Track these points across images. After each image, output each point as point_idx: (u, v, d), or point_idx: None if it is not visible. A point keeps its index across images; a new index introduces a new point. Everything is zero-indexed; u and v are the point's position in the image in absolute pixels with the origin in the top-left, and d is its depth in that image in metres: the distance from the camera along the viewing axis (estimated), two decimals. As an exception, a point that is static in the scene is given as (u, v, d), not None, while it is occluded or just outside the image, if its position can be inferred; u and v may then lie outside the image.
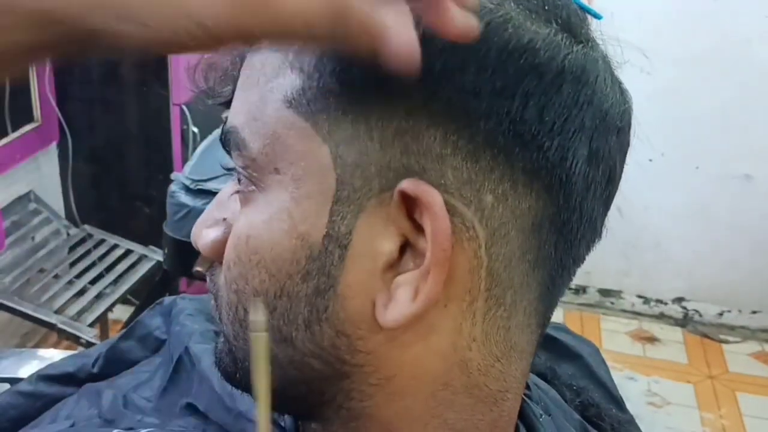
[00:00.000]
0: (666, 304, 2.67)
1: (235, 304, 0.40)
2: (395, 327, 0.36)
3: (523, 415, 0.49)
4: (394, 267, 0.36)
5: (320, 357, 0.38)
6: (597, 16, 0.40)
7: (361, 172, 0.35)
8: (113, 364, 0.68)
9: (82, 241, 2.10)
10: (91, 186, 2.22)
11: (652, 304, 2.68)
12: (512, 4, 0.36)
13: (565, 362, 0.59)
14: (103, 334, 1.93)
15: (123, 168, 2.19)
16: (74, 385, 0.66)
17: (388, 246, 0.36)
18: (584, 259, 0.42)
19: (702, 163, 2.43)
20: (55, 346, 2.09)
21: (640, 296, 2.68)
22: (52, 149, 2.17)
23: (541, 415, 0.49)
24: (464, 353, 0.38)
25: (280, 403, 0.41)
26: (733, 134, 2.36)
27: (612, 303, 2.70)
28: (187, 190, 1.50)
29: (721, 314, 2.63)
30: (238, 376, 0.42)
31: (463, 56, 0.34)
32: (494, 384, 0.40)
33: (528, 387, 0.52)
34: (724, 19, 2.24)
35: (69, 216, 2.21)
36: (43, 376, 0.68)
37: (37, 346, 2.19)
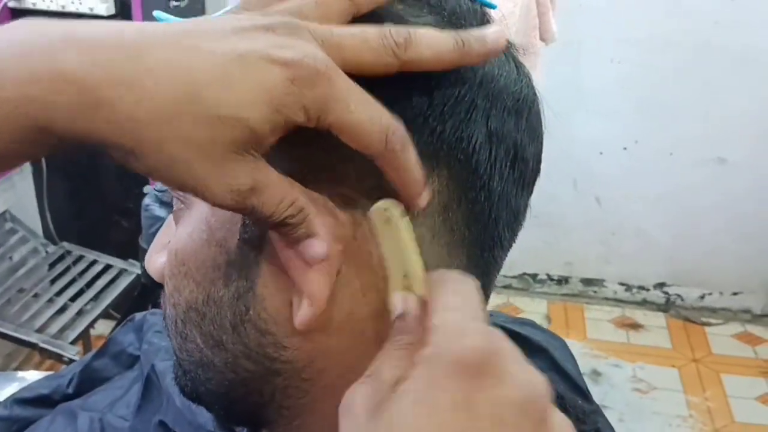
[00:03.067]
0: (648, 290, 2.69)
1: (173, 317, 0.42)
2: (304, 329, 0.37)
3: None
4: None
5: (250, 357, 0.39)
6: (489, 6, 0.42)
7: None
8: (88, 384, 0.68)
9: (61, 258, 2.09)
10: (67, 203, 2.21)
11: (634, 290, 2.70)
12: (396, 3, 0.38)
13: (531, 356, 0.60)
14: (86, 351, 1.92)
15: (98, 183, 2.18)
16: (50, 407, 0.66)
17: None
18: (510, 242, 0.43)
19: (676, 149, 2.45)
20: (39, 365, 2.08)
21: (622, 283, 2.70)
22: (26, 167, 2.15)
23: None
24: None
25: (226, 409, 0.42)
26: (704, 118, 2.39)
27: (595, 292, 2.72)
28: (161, 202, 1.50)
29: (702, 297, 2.66)
30: (188, 387, 0.43)
31: None
32: None
33: None
34: (691, 3, 2.26)
35: (46, 234, 2.20)
36: (18, 400, 0.68)
37: (22, 365, 2.17)
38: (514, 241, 0.43)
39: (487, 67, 0.39)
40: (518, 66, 0.42)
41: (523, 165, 0.41)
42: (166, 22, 0.33)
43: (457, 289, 0.35)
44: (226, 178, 0.31)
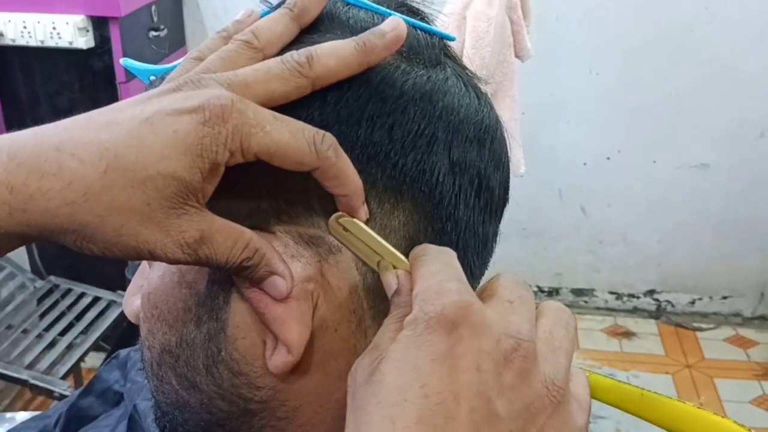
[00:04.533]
0: (638, 297, 2.70)
1: (149, 360, 0.42)
2: (280, 373, 0.37)
3: None
4: None
5: (225, 398, 0.39)
6: (449, 38, 0.43)
7: (233, 219, 0.37)
8: (75, 423, 0.68)
9: (49, 292, 2.08)
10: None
11: (625, 299, 2.71)
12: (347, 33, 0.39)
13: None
14: (78, 385, 1.91)
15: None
16: (37, 448, 0.66)
17: None
18: (481, 269, 0.43)
19: (659, 156, 2.47)
20: (30, 401, 2.06)
21: (612, 292, 2.71)
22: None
23: None
24: None
25: None
26: (685, 125, 2.41)
27: (585, 302, 2.73)
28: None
29: (692, 303, 2.66)
30: (167, 428, 0.43)
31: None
32: None
33: None
34: (665, 11, 2.28)
35: (34, 269, 2.19)
36: (4, 442, 0.67)
37: (13, 402, 2.16)
38: (486, 268, 0.44)
39: (447, 99, 0.39)
40: (479, 96, 0.42)
41: (488, 193, 0.41)
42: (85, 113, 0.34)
43: (435, 258, 0.36)
44: (172, 235, 0.32)
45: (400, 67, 0.39)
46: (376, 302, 0.38)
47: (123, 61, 0.43)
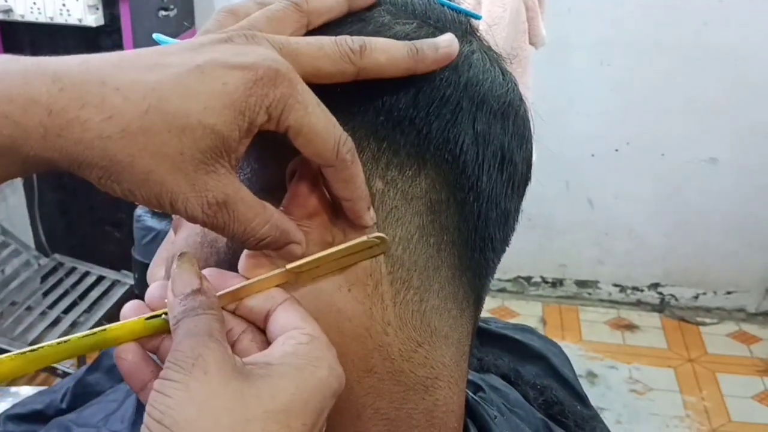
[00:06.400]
0: (642, 290, 2.69)
1: None
2: None
3: (476, 416, 0.50)
4: None
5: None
6: (475, 16, 0.44)
7: (253, 173, 0.38)
8: (82, 398, 0.68)
9: (54, 270, 2.09)
10: (59, 214, 2.20)
11: (629, 291, 2.70)
12: (382, 11, 0.40)
13: (529, 363, 0.60)
14: (80, 363, 1.91)
15: (90, 194, 2.18)
16: (43, 423, 0.65)
17: None
18: (502, 244, 0.43)
19: (667, 150, 2.46)
20: (33, 378, 2.07)
21: (616, 285, 2.70)
22: (17, 180, 2.14)
23: (495, 417, 0.50)
24: (381, 338, 0.39)
25: None
26: (695, 119, 2.39)
27: (589, 293, 2.72)
28: (153, 213, 1.50)
29: (696, 297, 2.66)
30: None
31: None
32: (420, 370, 0.41)
33: (483, 389, 0.53)
34: (679, 5, 2.27)
35: (38, 246, 2.19)
36: (11, 416, 0.67)
37: (16, 379, 2.16)
38: (507, 244, 0.44)
39: (472, 71, 0.40)
40: (504, 72, 0.42)
41: (511, 168, 0.41)
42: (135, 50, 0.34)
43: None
44: (197, 190, 0.32)
45: (429, 35, 0.39)
46: (395, 269, 0.39)
47: (155, 36, 0.43)
